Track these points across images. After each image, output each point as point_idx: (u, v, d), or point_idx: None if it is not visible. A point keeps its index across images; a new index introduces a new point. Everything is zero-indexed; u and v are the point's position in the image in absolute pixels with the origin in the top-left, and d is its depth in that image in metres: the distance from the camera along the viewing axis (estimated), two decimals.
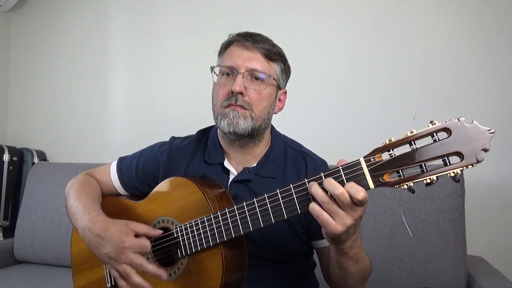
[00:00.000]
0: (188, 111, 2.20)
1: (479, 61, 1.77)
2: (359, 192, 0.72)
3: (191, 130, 1.24)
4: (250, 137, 1.02)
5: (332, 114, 1.96)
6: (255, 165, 1.05)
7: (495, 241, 1.72)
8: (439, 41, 1.82)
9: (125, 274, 0.90)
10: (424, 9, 1.85)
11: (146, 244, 0.90)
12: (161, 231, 0.96)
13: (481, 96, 1.75)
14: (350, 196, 0.72)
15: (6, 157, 2.23)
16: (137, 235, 0.92)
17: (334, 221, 0.74)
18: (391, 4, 1.90)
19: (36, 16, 2.59)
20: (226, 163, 1.06)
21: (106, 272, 1.08)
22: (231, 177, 1.05)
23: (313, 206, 0.75)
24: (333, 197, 0.73)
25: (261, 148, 1.08)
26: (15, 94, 2.62)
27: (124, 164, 1.18)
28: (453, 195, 1.43)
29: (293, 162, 1.07)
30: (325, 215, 0.74)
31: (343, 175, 0.75)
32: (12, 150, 2.29)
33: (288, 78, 1.12)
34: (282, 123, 1.30)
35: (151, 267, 0.89)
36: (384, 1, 1.91)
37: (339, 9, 1.97)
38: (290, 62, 1.09)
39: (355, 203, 0.73)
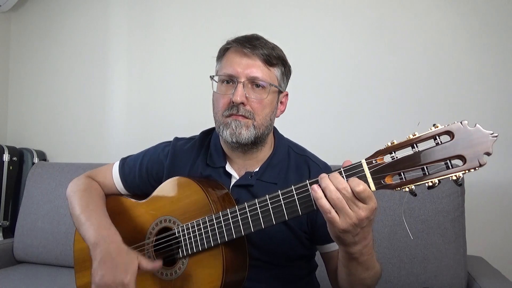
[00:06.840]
0: (188, 111, 2.20)
1: (483, 63, 1.76)
2: (359, 184, 0.72)
3: (191, 130, 1.23)
4: (253, 144, 1.01)
5: (335, 116, 1.95)
6: (257, 169, 1.04)
7: (495, 241, 1.72)
8: (444, 42, 1.82)
9: None
10: (430, 11, 1.84)
11: None
12: (160, 262, 0.95)
13: (481, 96, 1.75)
14: (352, 190, 0.72)
15: (6, 157, 2.23)
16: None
17: (339, 217, 0.74)
18: (395, 5, 1.89)
19: (36, 16, 2.59)
20: (228, 167, 1.06)
21: None
22: (233, 181, 1.04)
23: (323, 202, 0.74)
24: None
25: (264, 152, 1.07)
26: (15, 94, 2.62)
27: (126, 166, 1.17)
28: (453, 195, 1.43)
29: (296, 166, 1.06)
30: (333, 213, 0.74)
31: (344, 177, 0.75)
32: (12, 150, 2.29)
33: (289, 79, 1.09)
34: (285, 125, 1.30)
35: None
36: (388, 2, 1.90)
37: (343, 10, 1.97)
38: (292, 64, 1.08)
39: (356, 196, 0.72)
